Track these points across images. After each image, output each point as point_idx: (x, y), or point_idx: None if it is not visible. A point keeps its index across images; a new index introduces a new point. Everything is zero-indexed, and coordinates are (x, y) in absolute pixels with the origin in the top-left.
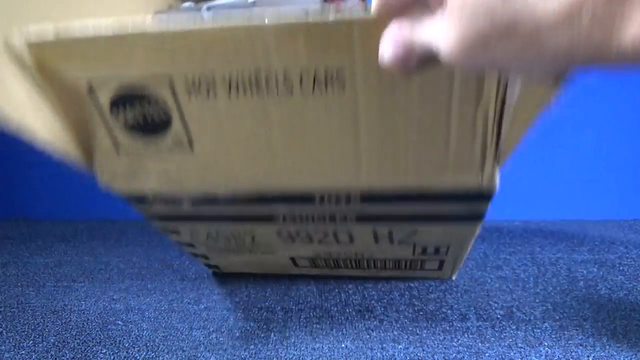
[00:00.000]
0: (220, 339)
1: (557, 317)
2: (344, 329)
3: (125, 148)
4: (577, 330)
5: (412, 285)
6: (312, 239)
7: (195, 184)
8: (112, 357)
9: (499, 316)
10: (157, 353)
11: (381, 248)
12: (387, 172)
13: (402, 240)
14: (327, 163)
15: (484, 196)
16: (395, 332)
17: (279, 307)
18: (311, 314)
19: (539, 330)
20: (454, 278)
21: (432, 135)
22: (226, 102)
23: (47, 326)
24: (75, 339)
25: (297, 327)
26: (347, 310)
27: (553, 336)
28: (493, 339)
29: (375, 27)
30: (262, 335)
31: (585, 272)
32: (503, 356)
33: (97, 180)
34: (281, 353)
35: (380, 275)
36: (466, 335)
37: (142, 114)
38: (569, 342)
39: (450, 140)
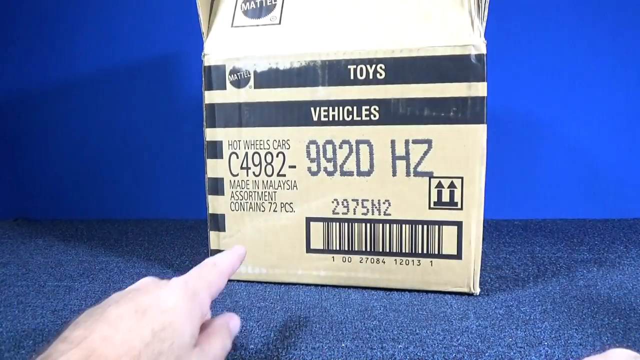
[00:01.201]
0: None
1: (557, 317)
2: (344, 329)
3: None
4: (576, 330)
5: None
6: (336, 164)
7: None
8: None
9: (498, 316)
10: None
11: (398, 185)
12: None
13: (417, 170)
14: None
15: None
16: (395, 332)
17: (278, 307)
18: (311, 313)
19: (539, 330)
20: (476, 292)
21: None
22: None
23: (47, 326)
24: None
25: (297, 327)
26: (347, 310)
27: (553, 336)
28: (493, 339)
29: None
30: (262, 335)
31: (585, 271)
32: (503, 356)
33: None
34: (281, 353)
35: (392, 279)
36: (466, 335)
37: None
38: (569, 341)
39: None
